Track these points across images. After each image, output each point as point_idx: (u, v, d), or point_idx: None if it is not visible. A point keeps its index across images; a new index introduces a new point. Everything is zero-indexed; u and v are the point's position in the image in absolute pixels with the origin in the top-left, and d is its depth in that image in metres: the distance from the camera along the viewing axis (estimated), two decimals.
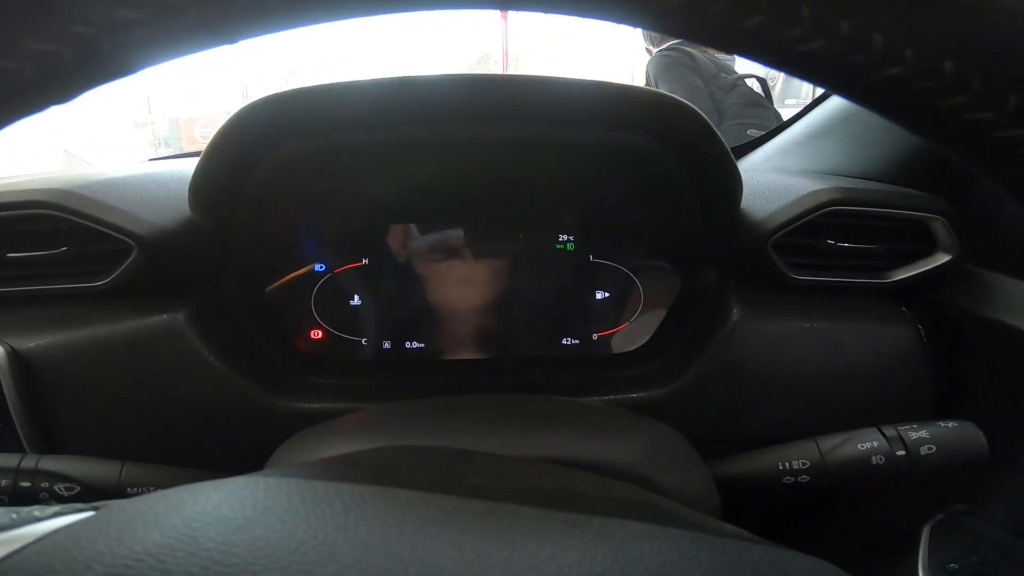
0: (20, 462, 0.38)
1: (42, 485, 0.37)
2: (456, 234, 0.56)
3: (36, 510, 0.17)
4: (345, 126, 0.41)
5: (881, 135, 0.56)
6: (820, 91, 0.81)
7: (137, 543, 0.14)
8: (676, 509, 0.24)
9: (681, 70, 1.46)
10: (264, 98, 0.38)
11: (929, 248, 0.49)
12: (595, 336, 0.57)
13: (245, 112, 0.39)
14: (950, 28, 0.12)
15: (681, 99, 0.39)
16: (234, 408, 0.48)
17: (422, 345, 0.57)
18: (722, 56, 1.56)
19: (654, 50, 1.56)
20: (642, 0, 0.12)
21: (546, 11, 0.14)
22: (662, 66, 1.49)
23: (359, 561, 0.14)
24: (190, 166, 0.43)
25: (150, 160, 0.79)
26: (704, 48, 1.51)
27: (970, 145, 0.14)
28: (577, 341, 0.57)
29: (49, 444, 0.46)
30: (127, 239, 0.42)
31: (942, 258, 0.49)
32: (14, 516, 0.17)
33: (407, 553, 0.15)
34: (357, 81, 0.37)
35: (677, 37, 0.14)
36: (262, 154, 0.42)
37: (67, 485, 0.37)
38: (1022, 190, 0.14)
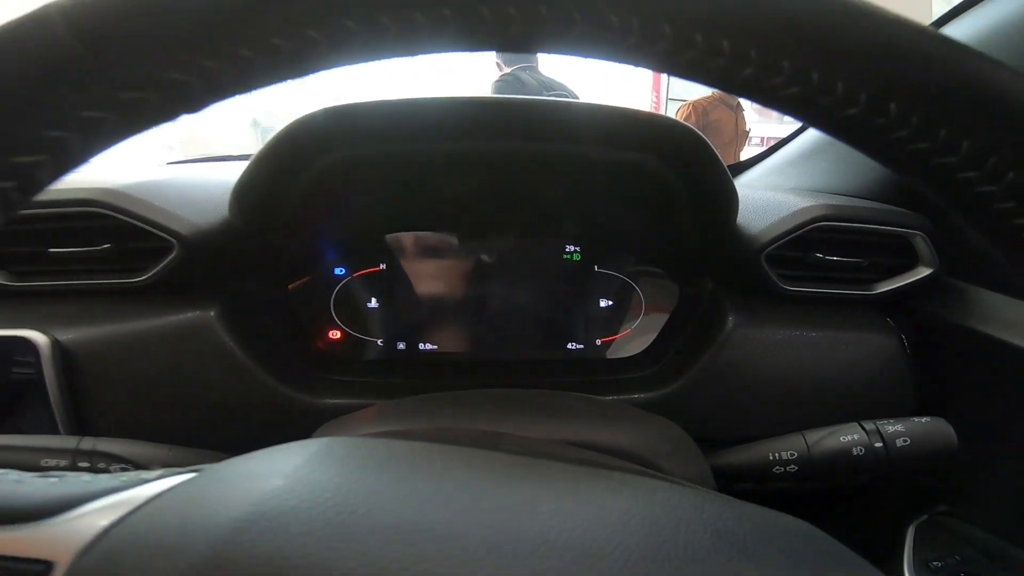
0: (79, 443, 0.41)
1: (99, 465, 0.40)
2: (469, 242, 0.59)
3: (143, 474, 0.20)
4: (386, 139, 0.45)
5: (866, 156, 0.60)
6: None
7: (257, 492, 0.17)
8: (679, 480, 0.27)
9: (507, 90, 1.99)
10: (319, 111, 0.42)
11: (911, 262, 0.53)
12: (598, 341, 0.61)
13: (300, 123, 0.42)
14: (892, 78, 0.15)
15: (686, 123, 0.43)
16: (258, 401, 0.51)
17: (435, 347, 0.60)
18: (552, 78, 2.06)
19: (499, 72, 2.07)
20: (670, 66, 0.16)
21: (555, 52, 0.18)
22: (496, 89, 2.02)
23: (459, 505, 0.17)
24: (217, 170, 0.46)
25: (167, 164, 0.83)
26: (536, 72, 2.01)
27: (915, 169, 0.17)
28: (582, 346, 0.60)
29: (82, 429, 0.49)
30: (170, 237, 0.45)
31: (923, 272, 0.52)
32: (124, 479, 0.19)
33: (505, 502, 0.18)
34: (405, 99, 0.41)
35: (688, 80, 0.18)
36: (309, 163, 0.46)
37: (121, 466, 0.40)
38: (961, 208, 0.18)
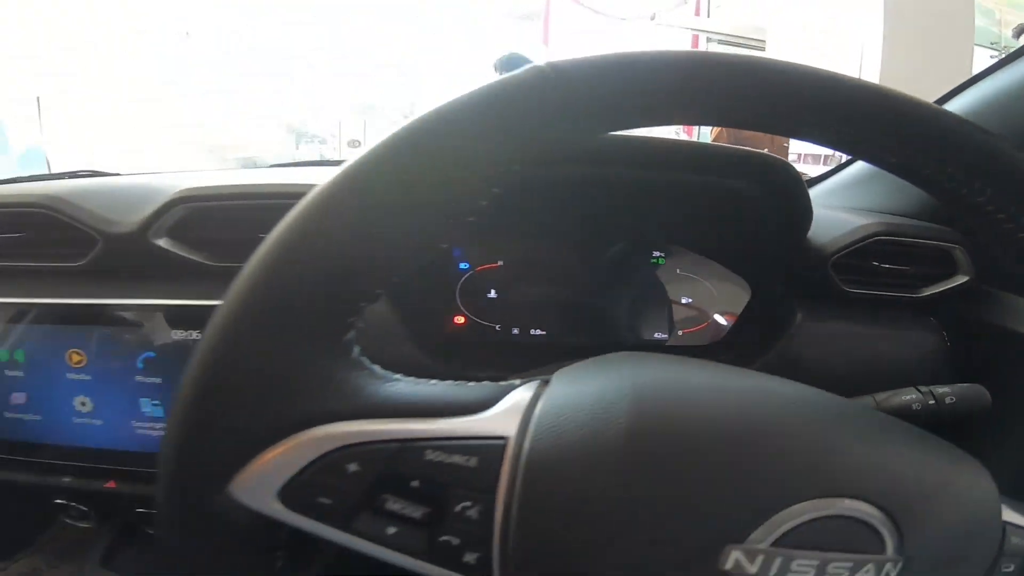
0: None
1: None
2: (575, 245, 0.71)
3: (512, 382, 0.26)
4: (555, 161, 0.57)
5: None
6: None
7: (624, 381, 0.24)
8: None
9: None
10: None
11: (951, 271, 0.64)
12: (681, 332, 0.72)
13: None
14: (947, 155, 0.26)
15: (783, 159, 0.55)
16: (408, 369, 0.62)
17: (544, 332, 0.71)
18: None
19: None
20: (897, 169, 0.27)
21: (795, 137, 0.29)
22: None
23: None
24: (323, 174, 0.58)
25: (272, 167, 0.96)
26: None
27: (954, 201, 0.28)
28: (666, 336, 0.72)
29: None
30: None
31: (961, 279, 0.63)
32: (504, 385, 0.25)
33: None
34: None
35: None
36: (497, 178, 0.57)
37: None
38: (974, 230, 0.29)
